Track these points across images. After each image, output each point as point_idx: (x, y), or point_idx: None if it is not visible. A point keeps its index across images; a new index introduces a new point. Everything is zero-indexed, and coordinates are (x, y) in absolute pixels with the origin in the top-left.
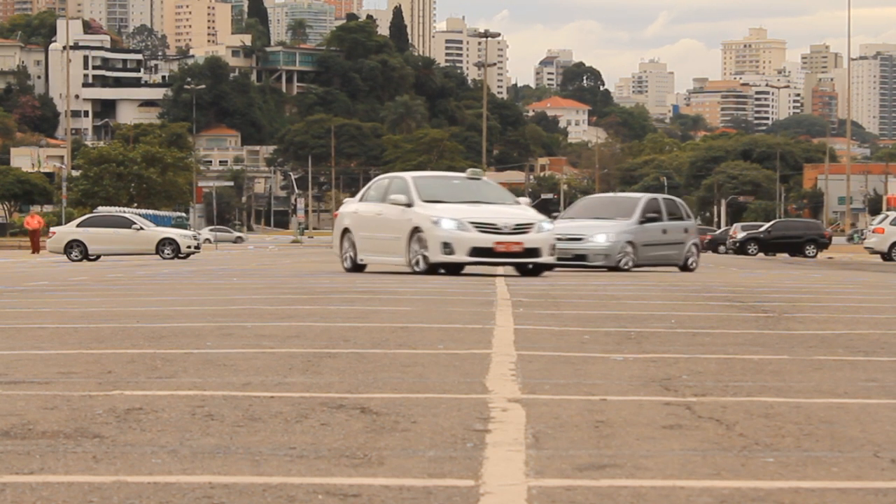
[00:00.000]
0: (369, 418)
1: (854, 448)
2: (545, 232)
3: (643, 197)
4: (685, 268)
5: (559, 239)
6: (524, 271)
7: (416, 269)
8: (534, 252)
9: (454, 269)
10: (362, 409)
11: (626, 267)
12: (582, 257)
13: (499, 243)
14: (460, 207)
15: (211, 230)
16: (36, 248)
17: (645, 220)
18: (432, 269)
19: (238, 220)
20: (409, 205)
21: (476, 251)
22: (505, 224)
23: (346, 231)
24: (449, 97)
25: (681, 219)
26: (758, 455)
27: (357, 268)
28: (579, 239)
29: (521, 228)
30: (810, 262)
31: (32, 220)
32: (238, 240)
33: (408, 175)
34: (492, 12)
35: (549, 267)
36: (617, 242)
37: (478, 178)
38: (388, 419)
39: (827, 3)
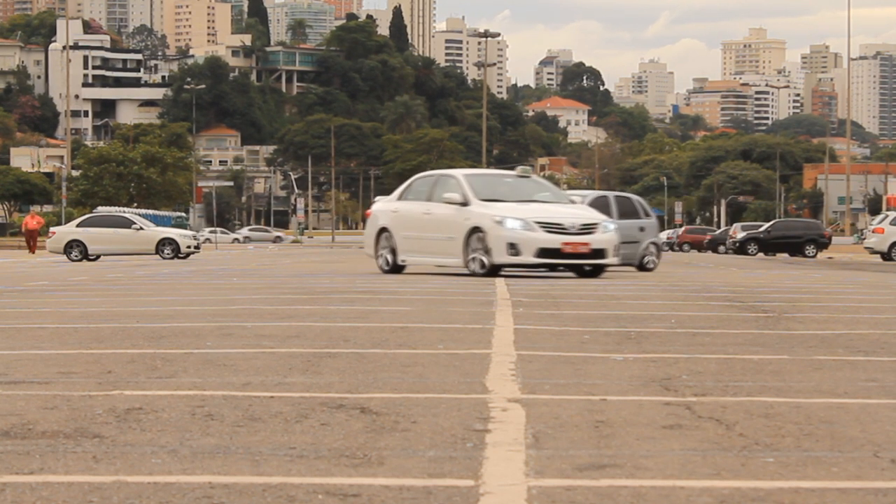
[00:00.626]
0: (369, 418)
1: (854, 448)
2: (610, 232)
3: (588, 195)
4: (642, 267)
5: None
6: (582, 273)
7: (476, 270)
8: (600, 253)
9: (493, 272)
10: (362, 409)
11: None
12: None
13: (566, 244)
14: (522, 207)
15: (251, 230)
16: (32, 249)
17: None
18: (493, 270)
19: (238, 221)
20: (464, 204)
21: (543, 252)
22: (571, 224)
23: (382, 231)
24: (449, 97)
25: (637, 217)
26: (758, 455)
27: (396, 269)
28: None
29: (588, 228)
30: (810, 262)
31: (31, 221)
32: (277, 239)
33: (458, 172)
34: (492, 12)
35: (603, 268)
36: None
37: (527, 176)
38: (388, 419)
39: (827, 3)
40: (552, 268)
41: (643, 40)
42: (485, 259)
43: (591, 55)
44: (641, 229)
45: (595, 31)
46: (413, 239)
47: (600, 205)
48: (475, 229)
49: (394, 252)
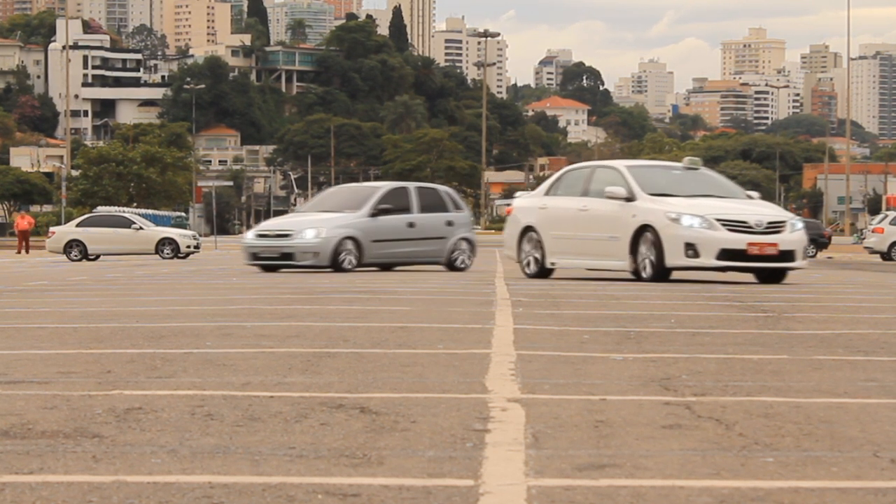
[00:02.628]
0: (369, 418)
1: (854, 448)
2: (798, 231)
3: (382, 186)
4: (451, 266)
5: (261, 235)
6: (763, 277)
7: (643, 274)
8: (788, 255)
9: (662, 276)
10: (362, 408)
11: (348, 267)
12: (288, 256)
13: (752, 244)
14: (697, 202)
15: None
16: (26, 249)
17: (378, 212)
18: (663, 274)
19: (238, 220)
20: (629, 199)
21: (725, 254)
22: (757, 222)
23: (527, 230)
24: (448, 97)
25: (444, 210)
26: (757, 455)
27: (543, 272)
28: (287, 235)
29: (774, 227)
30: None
31: (23, 221)
32: None
33: (620, 163)
34: (493, 12)
35: (784, 272)
36: (330, 238)
37: (696, 168)
38: (387, 419)
39: (827, 3)
40: (741, 271)
41: (647, 40)
42: (653, 261)
43: (594, 55)
44: (449, 223)
45: (599, 31)
46: (565, 239)
47: (397, 196)
48: (644, 227)
49: (541, 254)
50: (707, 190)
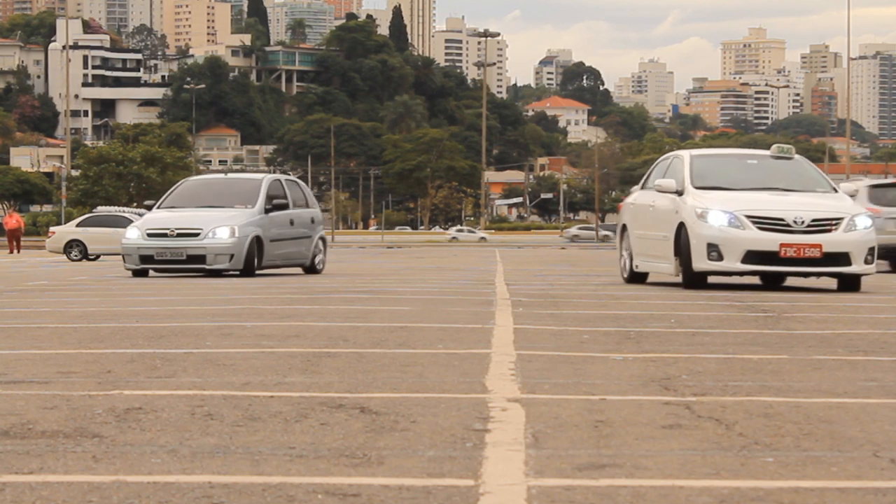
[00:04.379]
0: (369, 418)
1: (854, 448)
2: (858, 231)
3: (265, 178)
4: (311, 269)
5: (155, 234)
6: (842, 284)
7: (682, 279)
8: (837, 259)
9: (692, 282)
10: (362, 408)
11: (258, 272)
12: (198, 259)
13: (786, 245)
14: (744, 196)
15: (457, 230)
16: (16, 248)
17: (271, 207)
18: (693, 280)
19: None
20: (679, 192)
21: (753, 256)
22: (797, 218)
23: (623, 229)
24: (448, 97)
25: (308, 206)
26: (757, 455)
27: (634, 277)
28: (194, 234)
29: (821, 225)
30: None
31: (10, 220)
32: (482, 240)
33: (686, 153)
34: (498, 12)
35: (857, 279)
36: (243, 238)
37: (787, 157)
38: (387, 419)
39: (829, 3)
40: (773, 279)
41: (650, 39)
42: (683, 264)
43: (598, 55)
44: (313, 221)
45: (603, 31)
46: (642, 239)
47: (278, 190)
48: (681, 225)
49: (631, 256)
50: (779, 182)
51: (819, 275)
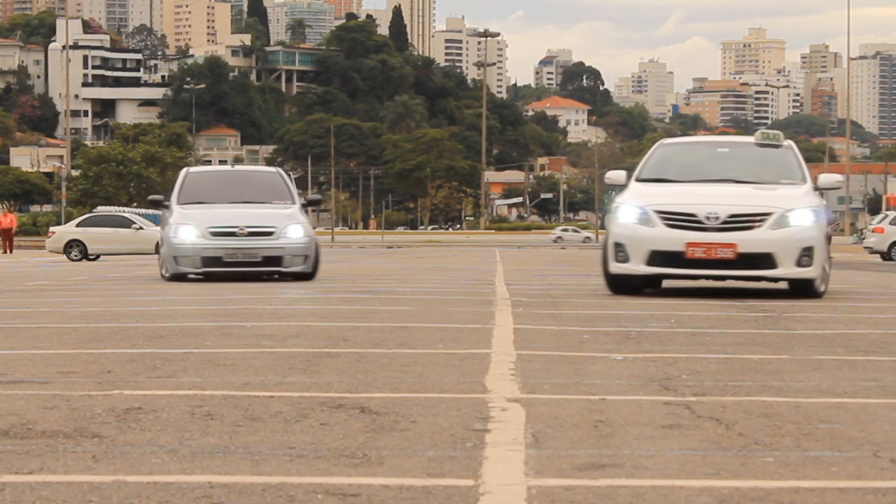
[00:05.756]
0: (369, 418)
1: (854, 448)
2: (791, 228)
3: (279, 171)
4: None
5: (219, 233)
6: (793, 287)
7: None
8: (757, 260)
9: (618, 286)
10: (362, 408)
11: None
12: (275, 260)
13: (693, 245)
14: (677, 189)
15: (562, 230)
16: (10, 248)
17: (306, 203)
18: (616, 284)
19: None
20: (624, 186)
21: (657, 257)
22: (710, 214)
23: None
24: (448, 97)
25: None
26: (757, 455)
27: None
28: (268, 233)
29: (740, 221)
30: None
31: (5, 219)
32: (587, 240)
33: (662, 141)
34: (497, 13)
35: (809, 284)
36: (313, 239)
37: (773, 145)
38: (387, 419)
39: (830, 3)
40: (687, 279)
41: (653, 39)
42: (602, 268)
43: (599, 55)
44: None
45: (606, 31)
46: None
47: (274, 183)
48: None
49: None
50: (741, 173)
51: (732, 278)
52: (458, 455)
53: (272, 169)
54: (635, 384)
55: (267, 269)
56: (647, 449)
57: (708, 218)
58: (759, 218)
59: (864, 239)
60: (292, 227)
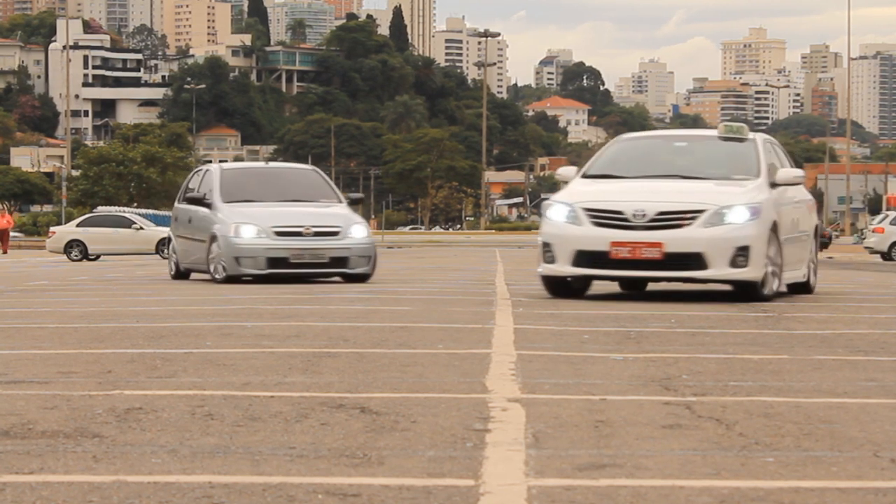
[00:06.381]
0: (369, 418)
1: (854, 448)
2: (725, 226)
3: (313, 169)
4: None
5: (283, 233)
6: (737, 288)
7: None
8: (686, 261)
9: (556, 289)
10: (362, 408)
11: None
12: (341, 261)
13: (618, 244)
14: (609, 187)
15: None
16: (5, 248)
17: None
18: (551, 285)
19: None
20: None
21: (583, 257)
22: (638, 211)
23: None
24: (449, 97)
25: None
26: (757, 455)
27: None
28: (333, 233)
29: (670, 219)
30: None
31: (2, 219)
32: None
33: (622, 136)
34: (499, 13)
35: (753, 286)
36: (373, 240)
37: (737, 138)
38: (387, 419)
39: (831, 3)
40: (634, 284)
41: (655, 39)
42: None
43: (598, 55)
44: None
45: (608, 31)
46: None
47: (317, 182)
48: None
49: None
50: (692, 168)
51: (659, 280)
52: (458, 455)
53: (307, 167)
54: (636, 384)
55: (333, 270)
56: (648, 449)
57: (635, 216)
58: (689, 215)
59: (864, 239)
60: (356, 227)
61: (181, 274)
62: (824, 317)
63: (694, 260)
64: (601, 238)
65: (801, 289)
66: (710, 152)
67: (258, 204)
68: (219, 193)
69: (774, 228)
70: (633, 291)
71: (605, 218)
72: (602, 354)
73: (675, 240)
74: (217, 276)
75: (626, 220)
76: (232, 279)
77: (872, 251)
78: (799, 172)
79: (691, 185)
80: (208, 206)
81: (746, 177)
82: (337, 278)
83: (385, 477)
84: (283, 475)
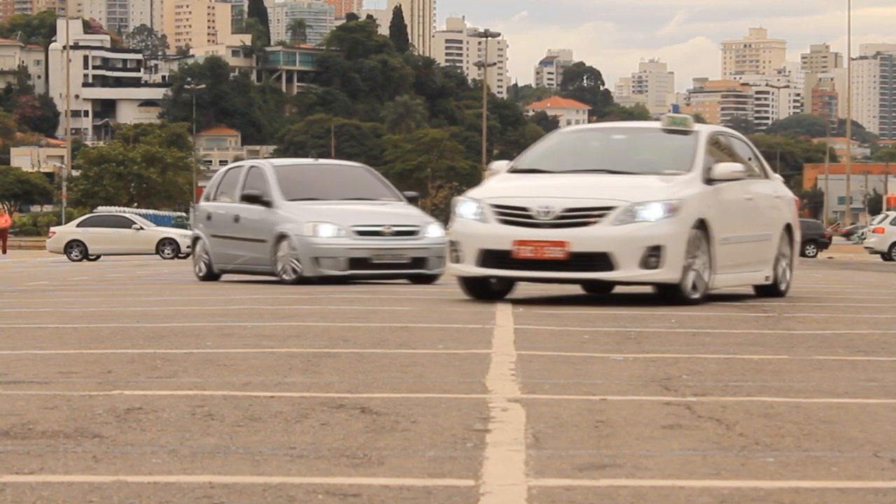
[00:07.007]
0: (369, 418)
1: (854, 448)
2: (637, 224)
3: (364, 167)
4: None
5: (364, 232)
6: (658, 289)
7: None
8: (592, 261)
9: (480, 287)
10: (362, 408)
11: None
12: (420, 262)
13: (521, 243)
14: (534, 182)
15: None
16: (3, 248)
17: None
18: (469, 286)
19: None
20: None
21: (488, 257)
22: (543, 207)
23: None
24: (449, 97)
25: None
26: (758, 455)
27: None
28: (412, 232)
29: (577, 216)
30: (810, 261)
31: (0, 219)
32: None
33: (568, 129)
34: (501, 13)
35: (674, 291)
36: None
37: (682, 130)
38: (387, 419)
39: (832, 3)
40: (597, 286)
41: (655, 40)
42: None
43: (598, 55)
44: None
45: (609, 31)
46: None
47: (372, 181)
48: None
49: None
50: (625, 162)
51: (563, 282)
52: (458, 455)
53: (358, 164)
54: (636, 384)
55: (413, 271)
56: (648, 449)
57: (540, 213)
58: (598, 212)
59: (864, 239)
60: (432, 227)
61: (212, 275)
62: (824, 317)
63: (600, 260)
64: (505, 236)
65: (768, 292)
66: (648, 145)
67: (323, 202)
68: (278, 191)
69: (703, 227)
70: (598, 294)
71: (511, 215)
72: (602, 354)
73: (580, 239)
74: (285, 277)
75: (531, 217)
76: (304, 280)
77: (873, 251)
78: (737, 167)
79: (611, 179)
80: (266, 204)
81: (677, 171)
82: (426, 279)
83: (385, 477)
84: (283, 475)
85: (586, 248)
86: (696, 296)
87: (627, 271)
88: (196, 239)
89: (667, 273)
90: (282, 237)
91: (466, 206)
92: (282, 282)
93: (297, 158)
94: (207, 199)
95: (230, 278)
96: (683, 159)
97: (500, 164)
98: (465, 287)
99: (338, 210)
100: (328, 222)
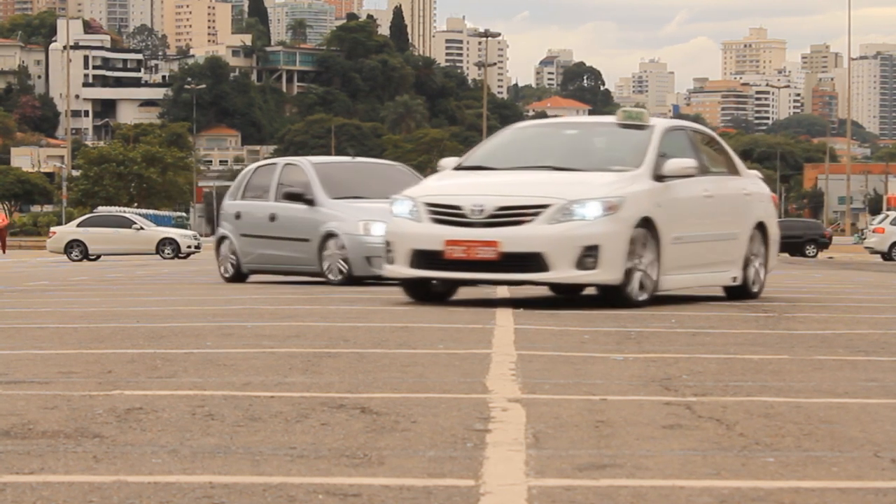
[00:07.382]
0: (369, 418)
1: (854, 448)
2: (572, 223)
3: (399, 166)
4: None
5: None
6: (602, 292)
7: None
8: (525, 261)
9: (420, 287)
10: (362, 408)
11: None
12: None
13: (453, 243)
14: (480, 179)
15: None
16: (2, 248)
17: None
18: (408, 286)
19: None
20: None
21: (420, 258)
22: (476, 206)
23: None
24: (449, 97)
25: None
26: (758, 455)
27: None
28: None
29: (509, 214)
30: (811, 261)
31: None
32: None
33: (522, 124)
34: (502, 13)
35: (616, 293)
36: None
37: (636, 125)
38: (388, 419)
39: (833, 3)
40: (565, 288)
41: (656, 40)
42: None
43: (599, 55)
44: None
45: (610, 31)
46: None
47: (412, 179)
48: None
49: None
50: (574, 158)
51: (495, 283)
52: (458, 455)
53: (394, 163)
54: (636, 384)
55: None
56: (648, 449)
57: (472, 211)
58: (531, 211)
59: (864, 239)
60: None
61: (240, 276)
62: (824, 317)
63: (533, 261)
64: (436, 236)
65: (738, 293)
66: (600, 141)
67: (368, 201)
68: (322, 190)
69: (648, 225)
70: (567, 295)
71: (443, 214)
72: (602, 354)
73: (511, 238)
74: (332, 278)
75: (463, 216)
76: (353, 280)
77: (873, 251)
78: (689, 163)
79: (551, 176)
80: (309, 202)
81: (626, 168)
82: None
83: (385, 477)
84: (283, 475)
85: (518, 248)
86: (642, 297)
87: (561, 272)
88: (222, 239)
89: (604, 274)
90: (329, 236)
91: (401, 205)
92: (327, 282)
93: (333, 156)
94: (234, 198)
95: (260, 279)
96: (634, 155)
97: (449, 161)
98: (404, 288)
99: (385, 209)
100: (380, 220)
